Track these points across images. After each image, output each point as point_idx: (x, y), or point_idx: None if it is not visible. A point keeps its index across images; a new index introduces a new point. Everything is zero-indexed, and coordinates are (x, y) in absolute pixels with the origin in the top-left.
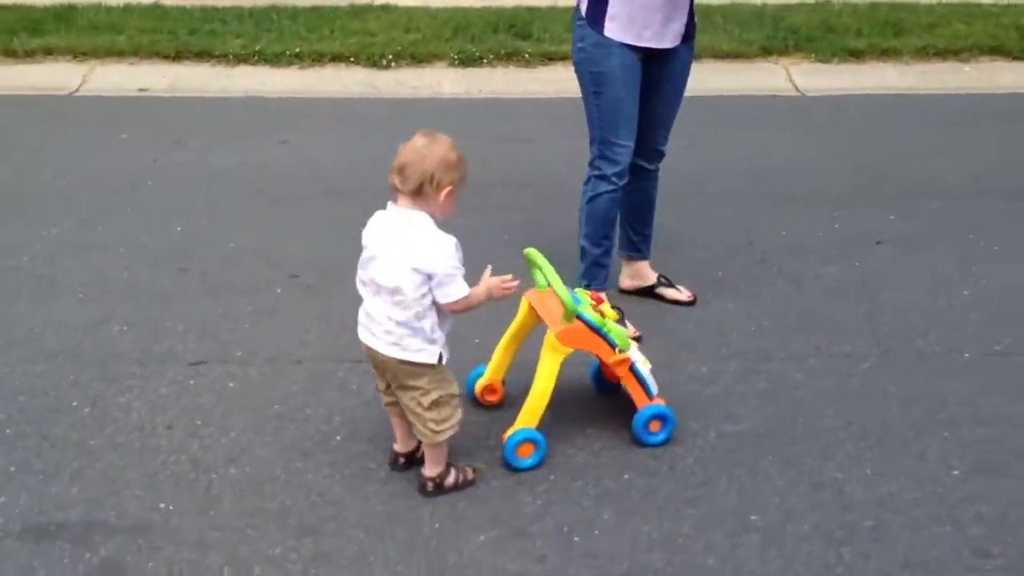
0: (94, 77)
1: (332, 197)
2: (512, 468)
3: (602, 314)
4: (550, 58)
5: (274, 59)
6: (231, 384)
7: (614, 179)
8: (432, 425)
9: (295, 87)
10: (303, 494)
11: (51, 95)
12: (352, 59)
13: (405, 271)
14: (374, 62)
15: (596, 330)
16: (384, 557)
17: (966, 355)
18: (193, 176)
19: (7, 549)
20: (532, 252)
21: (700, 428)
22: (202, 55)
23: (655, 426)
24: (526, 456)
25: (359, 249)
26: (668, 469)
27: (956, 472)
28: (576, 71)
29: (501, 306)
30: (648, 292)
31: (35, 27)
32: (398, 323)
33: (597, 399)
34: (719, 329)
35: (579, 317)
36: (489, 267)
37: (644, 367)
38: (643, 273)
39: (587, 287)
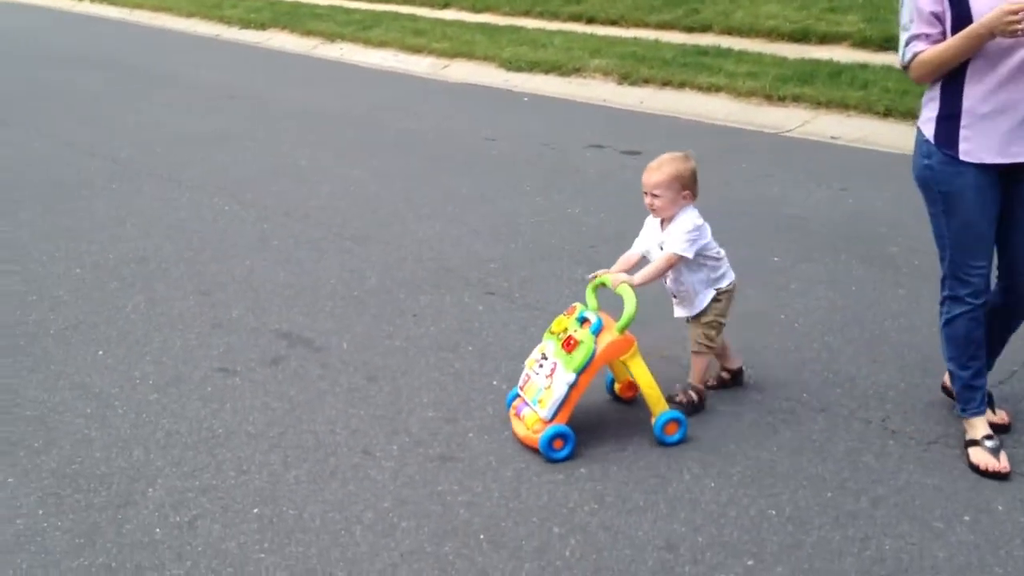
0: (815, 122)
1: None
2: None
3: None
4: None
5: None
6: None
7: (969, 299)
8: None
9: None
10: None
11: (773, 133)
12: None
13: None
14: None
15: None
16: None
17: None
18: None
19: None
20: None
21: None
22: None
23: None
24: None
25: None
26: None
27: None
28: (920, 186)
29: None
30: None
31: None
32: None
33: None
34: None
35: None
36: None
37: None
38: None
39: (962, 411)
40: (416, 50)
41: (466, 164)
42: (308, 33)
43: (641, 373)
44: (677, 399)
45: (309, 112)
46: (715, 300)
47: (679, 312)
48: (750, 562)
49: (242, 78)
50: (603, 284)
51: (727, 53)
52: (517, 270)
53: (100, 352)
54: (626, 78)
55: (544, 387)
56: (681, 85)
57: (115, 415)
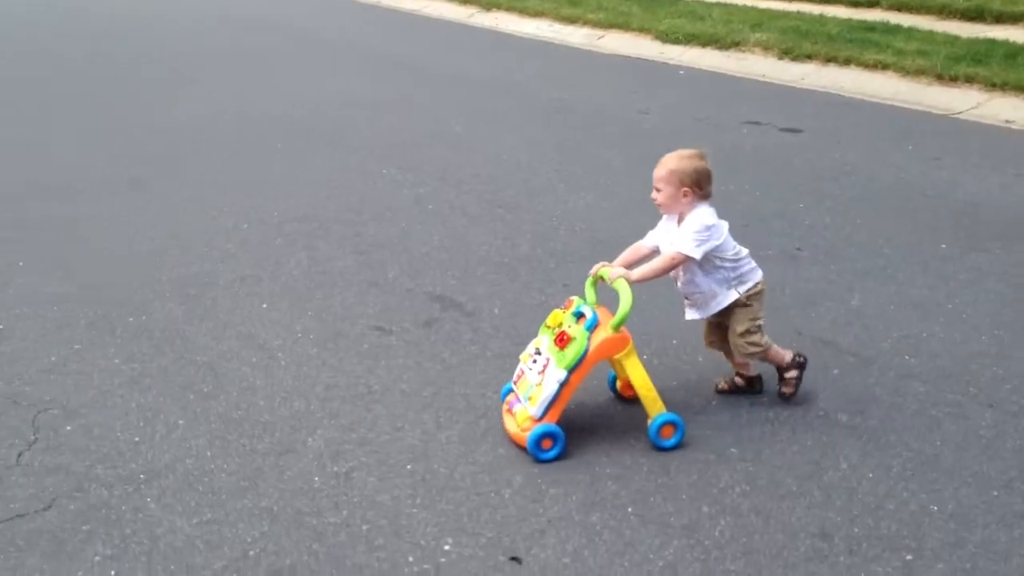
0: (988, 105)
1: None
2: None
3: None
4: None
5: None
6: None
7: None
8: None
9: None
10: None
11: (942, 115)
12: None
13: None
14: None
15: None
16: None
17: None
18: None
19: None
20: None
21: None
22: None
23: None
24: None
25: None
26: None
27: None
28: None
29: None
30: None
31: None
32: None
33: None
34: None
35: None
36: None
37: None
38: None
39: None
40: (571, 20)
41: (619, 136)
42: (465, 2)
43: (637, 373)
44: (787, 393)
45: (465, 80)
46: (744, 305)
47: (691, 315)
48: (909, 557)
49: (401, 45)
50: (603, 278)
51: (896, 30)
52: None
53: (264, 305)
54: (787, 53)
55: (536, 384)
56: (846, 62)
57: (278, 366)
